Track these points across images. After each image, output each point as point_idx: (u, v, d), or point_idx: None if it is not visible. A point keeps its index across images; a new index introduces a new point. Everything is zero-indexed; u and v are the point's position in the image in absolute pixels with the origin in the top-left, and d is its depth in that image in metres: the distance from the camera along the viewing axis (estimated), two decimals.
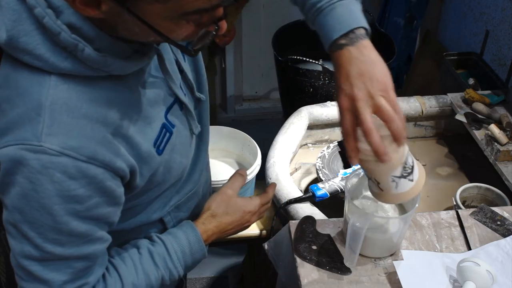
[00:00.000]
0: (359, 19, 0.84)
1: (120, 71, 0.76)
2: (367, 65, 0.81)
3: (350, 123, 0.82)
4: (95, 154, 0.74)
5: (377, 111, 0.80)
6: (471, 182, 1.46)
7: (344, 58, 0.82)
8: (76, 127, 0.73)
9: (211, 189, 1.16)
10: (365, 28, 0.84)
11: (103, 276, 0.87)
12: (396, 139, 0.80)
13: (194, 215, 1.04)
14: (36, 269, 0.78)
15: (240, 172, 1.10)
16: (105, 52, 0.73)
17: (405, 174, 0.87)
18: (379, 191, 0.92)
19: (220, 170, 1.53)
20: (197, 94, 0.97)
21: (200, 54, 1.00)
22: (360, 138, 0.83)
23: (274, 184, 1.17)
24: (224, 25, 0.74)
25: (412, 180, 0.88)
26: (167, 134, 0.86)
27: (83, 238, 0.79)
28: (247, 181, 1.34)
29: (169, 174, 0.90)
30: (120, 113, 0.77)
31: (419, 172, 0.90)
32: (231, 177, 1.10)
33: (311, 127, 1.64)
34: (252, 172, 1.36)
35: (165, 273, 0.93)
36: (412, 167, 0.87)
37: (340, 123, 0.84)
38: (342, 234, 1.13)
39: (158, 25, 0.70)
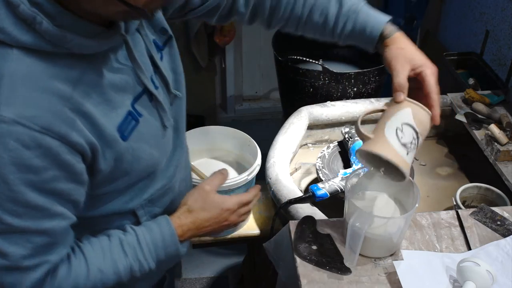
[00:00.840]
0: (383, 15, 1.05)
1: (81, 50, 0.77)
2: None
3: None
4: (50, 126, 0.74)
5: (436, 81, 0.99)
6: (471, 182, 1.46)
7: (405, 41, 1.02)
8: (34, 99, 0.74)
9: (191, 188, 1.14)
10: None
11: (68, 257, 0.87)
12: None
13: (170, 212, 1.02)
14: None
15: (221, 171, 1.09)
16: (66, 28, 0.74)
17: None
18: (411, 159, 0.97)
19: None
20: (173, 90, 0.97)
21: (177, 55, 1.01)
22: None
23: (258, 186, 1.14)
24: None
25: None
26: (133, 122, 0.86)
27: (41, 211, 0.79)
28: (247, 181, 1.34)
29: (138, 163, 0.89)
30: (81, 92, 0.78)
31: None
32: (211, 174, 1.09)
33: (311, 127, 1.64)
34: (252, 172, 1.36)
35: (134, 263, 0.92)
36: None
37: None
38: (342, 234, 1.13)
39: None
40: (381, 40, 1.03)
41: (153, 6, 0.76)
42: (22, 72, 0.74)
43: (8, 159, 0.73)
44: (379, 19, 1.04)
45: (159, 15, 0.98)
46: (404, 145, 0.94)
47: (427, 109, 0.95)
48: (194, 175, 1.41)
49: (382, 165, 0.99)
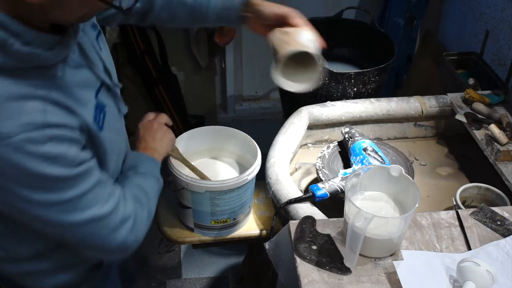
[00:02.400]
0: None
1: (47, 62, 0.84)
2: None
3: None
4: (47, 120, 0.82)
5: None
6: (471, 182, 1.46)
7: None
8: (17, 109, 0.80)
9: None
10: None
11: (138, 197, 1.03)
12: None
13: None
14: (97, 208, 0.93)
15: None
16: (33, 45, 0.80)
17: None
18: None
19: (220, 170, 1.53)
20: (114, 80, 1.07)
21: (107, 46, 1.10)
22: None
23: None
24: None
25: None
26: (102, 113, 0.97)
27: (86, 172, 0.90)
28: (247, 181, 1.34)
29: (112, 151, 1.01)
30: (55, 98, 0.85)
31: None
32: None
33: (311, 127, 1.64)
34: (252, 172, 1.36)
35: (160, 185, 1.13)
36: None
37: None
38: (342, 234, 1.13)
39: None
40: (244, 5, 1.19)
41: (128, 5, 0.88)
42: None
43: (40, 158, 0.82)
44: None
45: None
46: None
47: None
48: (193, 175, 1.41)
49: (299, 68, 1.18)
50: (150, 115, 1.30)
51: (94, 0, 0.80)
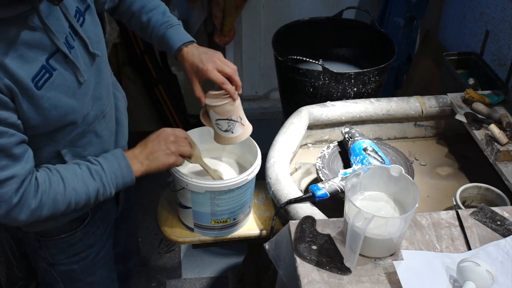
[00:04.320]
0: (188, 36, 1.34)
1: None
2: (203, 51, 1.29)
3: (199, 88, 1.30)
4: None
5: (221, 71, 1.26)
6: (471, 182, 1.46)
7: (192, 52, 1.29)
8: None
9: (116, 136, 1.32)
10: (193, 41, 1.33)
11: (47, 174, 1.05)
12: (238, 88, 1.31)
13: (93, 153, 1.19)
14: None
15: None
16: None
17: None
18: (241, 129, 1.34)
19: (220, 170, 1.53)
20: (92, 50, 1.13)
21: (96, 21, 1.18)
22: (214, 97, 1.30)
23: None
24: None
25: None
26: (47, 75, 1.02)
27: None
28: (247, 181, 1.34)
29: (56, 110, 1.05)
30: None
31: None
32: None
33: (311, 127, 1.64)
34: (252, 172, 1.36)
35: (100, 187, 1.11)
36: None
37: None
38: (342, 234, 1.13)
39: None
40: (179, 51, 1.29)
41: None
42: None
43: None
44: (182, 37, 1.31)
45: None
46: (225, 131, 1.32)
47: (224, 100, 1.27)
48: (193, 175, 1.41)
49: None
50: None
51: None
